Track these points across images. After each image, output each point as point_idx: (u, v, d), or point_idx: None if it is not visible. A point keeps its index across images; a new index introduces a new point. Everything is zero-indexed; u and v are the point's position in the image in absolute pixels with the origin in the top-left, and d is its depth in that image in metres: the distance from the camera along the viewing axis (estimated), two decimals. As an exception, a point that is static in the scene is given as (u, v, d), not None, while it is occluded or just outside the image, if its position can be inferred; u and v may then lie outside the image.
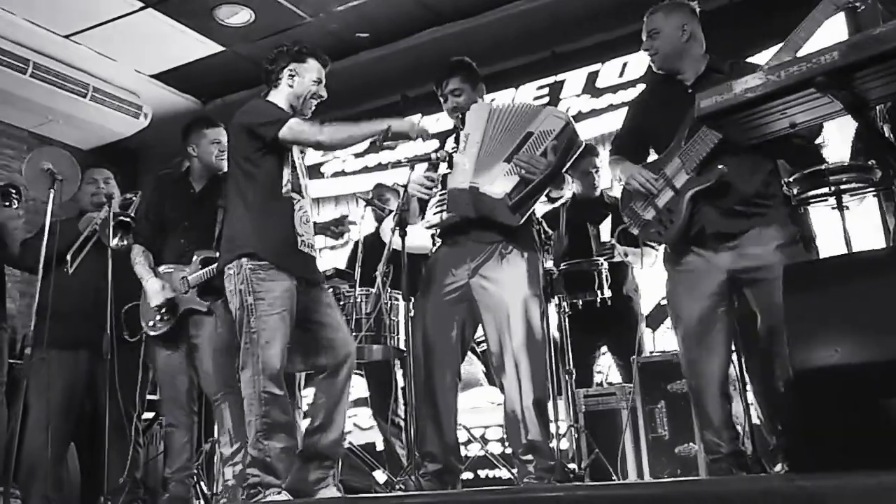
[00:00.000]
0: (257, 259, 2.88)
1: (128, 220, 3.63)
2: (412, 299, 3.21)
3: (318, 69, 3.11)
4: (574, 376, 3.66)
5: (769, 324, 2.68)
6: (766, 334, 2.70)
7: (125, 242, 3.61)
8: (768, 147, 2.62)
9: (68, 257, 3.75)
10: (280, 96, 3.08)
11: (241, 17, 5.14)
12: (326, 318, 3.03)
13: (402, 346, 3.79)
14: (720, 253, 2.75)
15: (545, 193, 3.12)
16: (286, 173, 2.99)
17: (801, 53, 2.40)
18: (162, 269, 3.59)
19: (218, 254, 3.39)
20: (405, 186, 3.14)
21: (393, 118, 3.03)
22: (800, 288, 1.96)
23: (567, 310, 3.75)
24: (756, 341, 2.82)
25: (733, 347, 2.91)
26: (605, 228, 3.93)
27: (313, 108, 3.11)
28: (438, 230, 3.26)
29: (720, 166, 2.68)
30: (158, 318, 3.53)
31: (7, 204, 3.78)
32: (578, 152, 3.16)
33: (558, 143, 3.04)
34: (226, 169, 3.63)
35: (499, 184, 2.98)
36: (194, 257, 3.55)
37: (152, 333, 3.57)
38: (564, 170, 3.12)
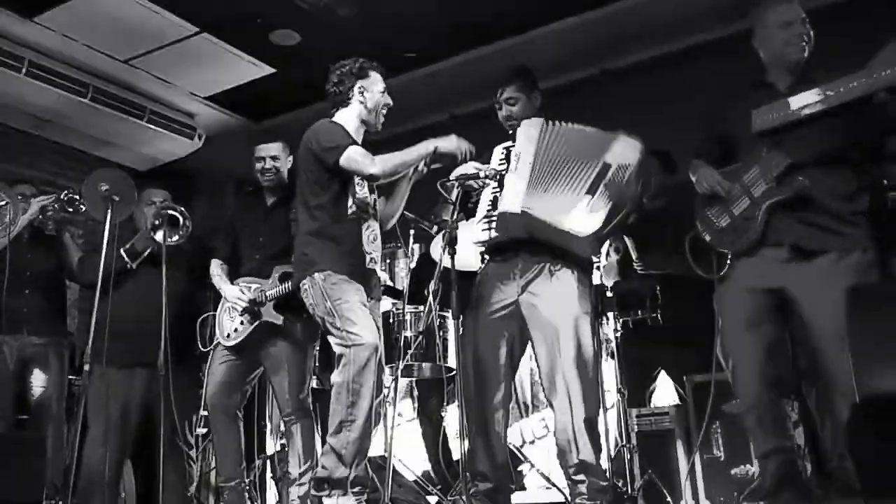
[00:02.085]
0: (328, 271, 2.96)
1: (176, 214, 3.72)
2: (462, 317, 3.19)
3: (381, 80, 3.21)
4: (627, 396, 3.61)
5: (823, 345, 2.59)
6: (820, 354, 2.62)
7: (174, 238, 3.70)
8: (862, 157, 2.54)
9: (124, 256, 3.85)
10: (351, 114, 3.15)
11: (292, 39, 5.23)
12: None
13: (451, 364, 3.79)
14: (792, 263, 2.67)
15: None
16: (352, 194, 3.04)
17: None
18: (240, 281, 3.66)
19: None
20: (454, 203, 3.12)
21: (438, 139, 3.03)
22: (865, 311, 1.90)
23: (619, 328, 3.70)
24: (811, 361, 2.75)
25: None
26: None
27: (383, 118, 3.19)
28: (485, 247, 3.25)
29: (800, 178, 2.61)
30: (235, 326, 3.58)
31: (72, 211, 3.92)
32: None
33: (638, 175, 2.95)
34: (273, 186, 3.75)
35: (583, 220, 2.87)
36: (273, 272, 3.60)
37: (227, 344, 3.61)
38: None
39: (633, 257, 3.78)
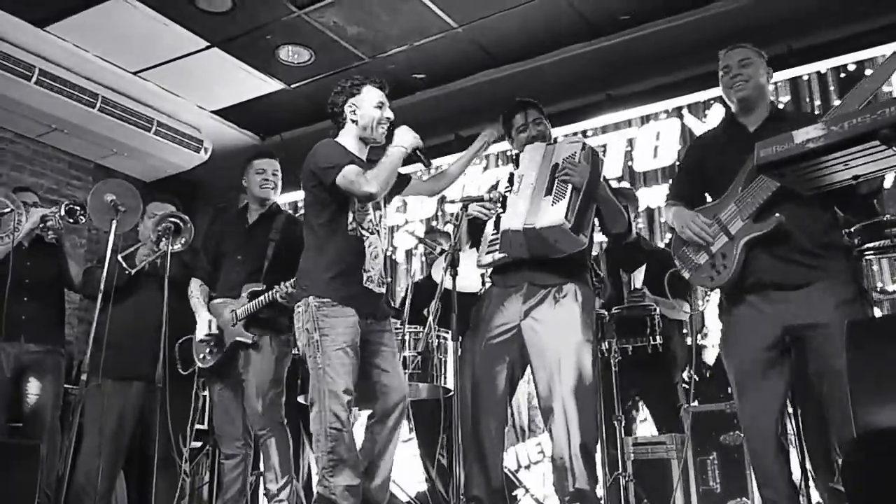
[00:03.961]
0: (323, 298, 2.92)
1: (178, 221, 3.74)
2: (461, 339, 3.19)
3: (377, 93, 3.13)
4: (623, 423, 3.59)
5: (823, 383, 2.58)
6: (820, 393, 2.61)
7: (176, 246, 3.72)
8: (826, 196, 2.57)
9: (122, 263, 3.85)
10: (349, 134, 3.12)
11: (301, 56, 5.27)
12: (384, 362, 3.04)
13: (449, 385, 3.78)
14: (777, 304, 2.66)
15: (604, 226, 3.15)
16: (352, 211, 3.02)
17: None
18: (215, 301, 3.67)
19: (264, 286, 3.57)
20: (457, 226, 3.14)
21: (398, 140, 3.04)
22: (864, 346, 1.90)
23: (616, 355, 3.69)
24: (810, 398, 2.73)
25: (789, 403, 2.82)
26: (639, 275, 3.88)
27: (385, 131, 3.13)
28: (490, 270, 3.26)
29: (777, 215, 2.62)
30: (207, 350, 3.61)
31: (73, 221, 3.93)
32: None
33: (586, 157, 3.04)
34: (271, 198, 3.80)
35: (550, 214, 2.95)
36: (243, 291, 3.62)
37: (203, 366, 3.64)
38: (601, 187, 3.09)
39: (629, 290, 3.80)
